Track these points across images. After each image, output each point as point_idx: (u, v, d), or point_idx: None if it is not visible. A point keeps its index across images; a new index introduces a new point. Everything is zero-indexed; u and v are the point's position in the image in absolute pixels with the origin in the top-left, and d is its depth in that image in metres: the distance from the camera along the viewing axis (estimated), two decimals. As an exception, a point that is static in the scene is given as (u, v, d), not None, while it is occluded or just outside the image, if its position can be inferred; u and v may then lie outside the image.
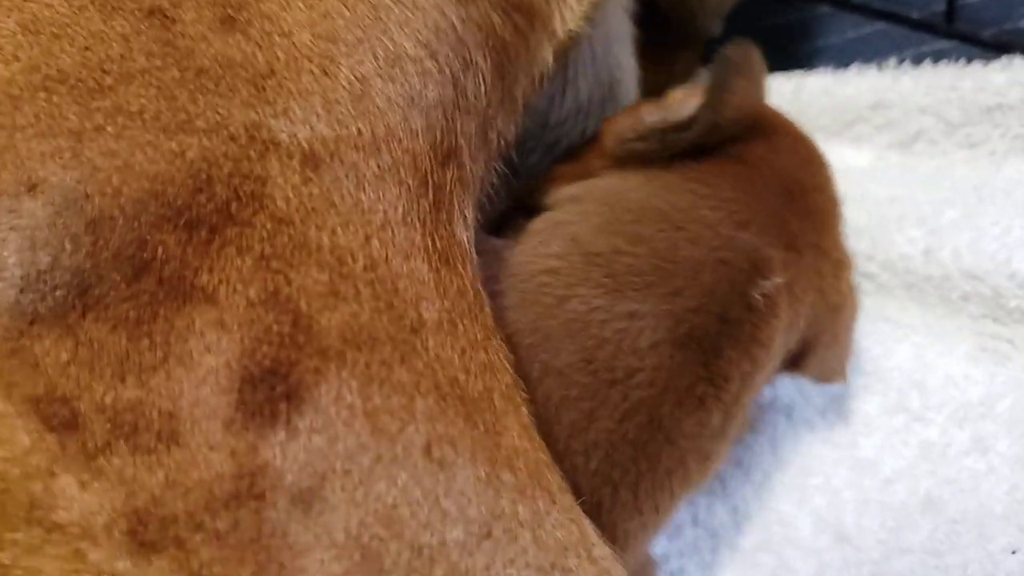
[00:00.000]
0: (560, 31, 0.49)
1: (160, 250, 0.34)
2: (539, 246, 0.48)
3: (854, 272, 0.56)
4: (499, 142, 0.47)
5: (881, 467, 0.56)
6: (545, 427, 0.43)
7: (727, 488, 0.57)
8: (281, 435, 0.33)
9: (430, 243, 0.40)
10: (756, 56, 0.50)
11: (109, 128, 0.36)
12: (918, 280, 0.61)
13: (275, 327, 0.34)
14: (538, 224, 0.50)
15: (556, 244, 0.48)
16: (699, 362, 0.46)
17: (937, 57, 0.70)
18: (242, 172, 0.36)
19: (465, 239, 0.43)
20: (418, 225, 0.40)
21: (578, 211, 0.50)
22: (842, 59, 0.77)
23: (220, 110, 0.38)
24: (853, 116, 0.69)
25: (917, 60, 0.70)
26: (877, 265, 0.63)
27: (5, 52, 0.37)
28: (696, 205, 0.48)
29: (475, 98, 0.44)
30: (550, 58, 0.49)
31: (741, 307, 0.47)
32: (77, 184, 0.35)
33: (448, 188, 0.42)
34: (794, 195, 0.49)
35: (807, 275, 0.49)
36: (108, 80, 0.37)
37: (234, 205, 0.35)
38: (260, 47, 0.39)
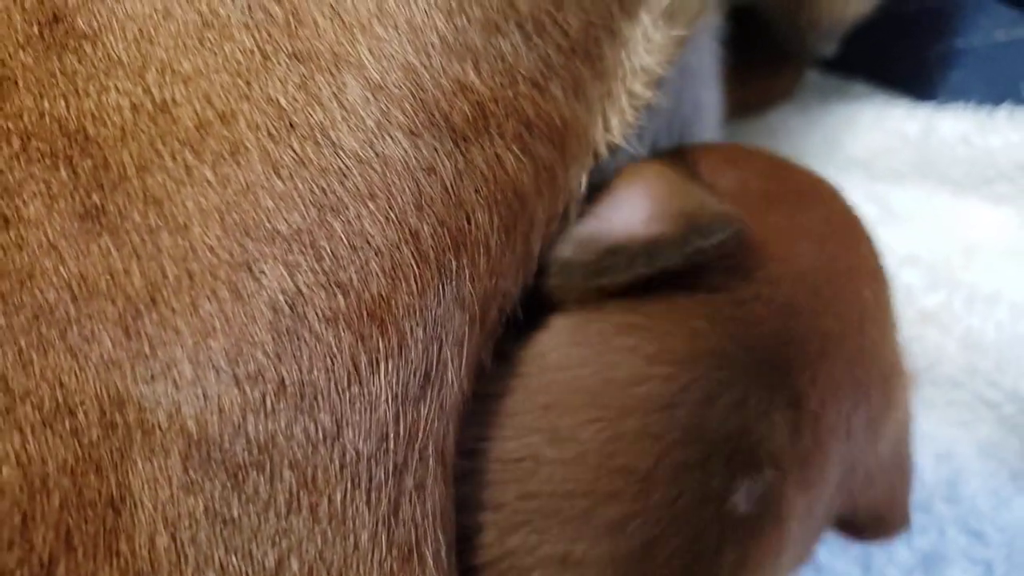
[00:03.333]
0: (602, 144, 0.33)
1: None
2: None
3: (917, 383, 0.41)
4: (501, 313, 0.32)
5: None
6: None
7: None
8: None
9: (384, 536, 0.26)
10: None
11: None
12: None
13: None
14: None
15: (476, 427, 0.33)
16: None
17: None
18: (84, 498, 0.23)
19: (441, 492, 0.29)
20: (366, 514, 0.26)
21: (504, 387, 0.34)
22: (985, 70, 0.58)
23: (64, 378, 0.24)
24: (994, 173, 0.51)
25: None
26: (1002, 394, 0.47)
27: None
28: (639, 376, 0.32)
29: (473, 281, 0.29)
30: (584, 181, 0.33)
31: (720, 527, 0.32)
32: None
33: (424, 429, 0.28)
34: (802, 323, 0.34)
35: (829, 434, 0.33)
36: None
37: (61, 566, 0.22)
38: (138, 256, 0.25)
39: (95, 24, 0.28)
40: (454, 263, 0.30)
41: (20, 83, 0.27)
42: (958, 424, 0.49)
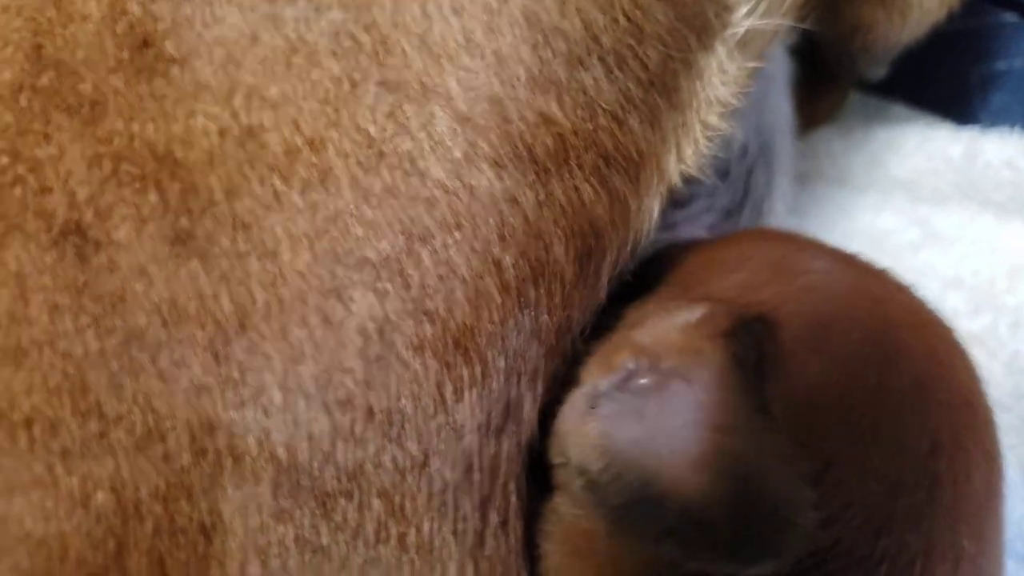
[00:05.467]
0: (676, 175, 0.32)
1: None
2: None
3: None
4: (573, 338, 0.32)
5: None
6: None
7: None
8: None
9: (471, 569, 0.25)
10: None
11: (-20, 454, 0.21)
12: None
13: None
14: None
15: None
16: None
17: None
18: (176, 524, 0.22)
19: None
20: (453, 545, 0.25)
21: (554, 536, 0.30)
22: (1026, 93, 0.57)
23: (155, 403, 0.23)
24: (1039, 198, 0.50)
25: None
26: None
27: None
28: None
29: (549, 312, 0.28)
30: (656, 210, 0.32)
31: None
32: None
33: (505, 464, 0.27)
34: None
35: None
36: (-14, 363, 0.22)
37: None
38: (227, 281, 0.24)
39: (183, 48, 0.28)
40: (533, 294, 0.29)
41: (111, 107, 0.27)
42: (1005, 447, 0.48)
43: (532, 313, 0.29)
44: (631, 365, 0.28)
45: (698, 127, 0.35)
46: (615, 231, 0.32)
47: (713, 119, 0.35)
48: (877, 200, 0.58)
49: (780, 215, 0.48)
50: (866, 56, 0.50)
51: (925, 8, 0.47)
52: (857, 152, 0.57)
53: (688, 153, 0.34)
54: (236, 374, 0.25)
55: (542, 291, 0.30)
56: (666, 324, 0.30)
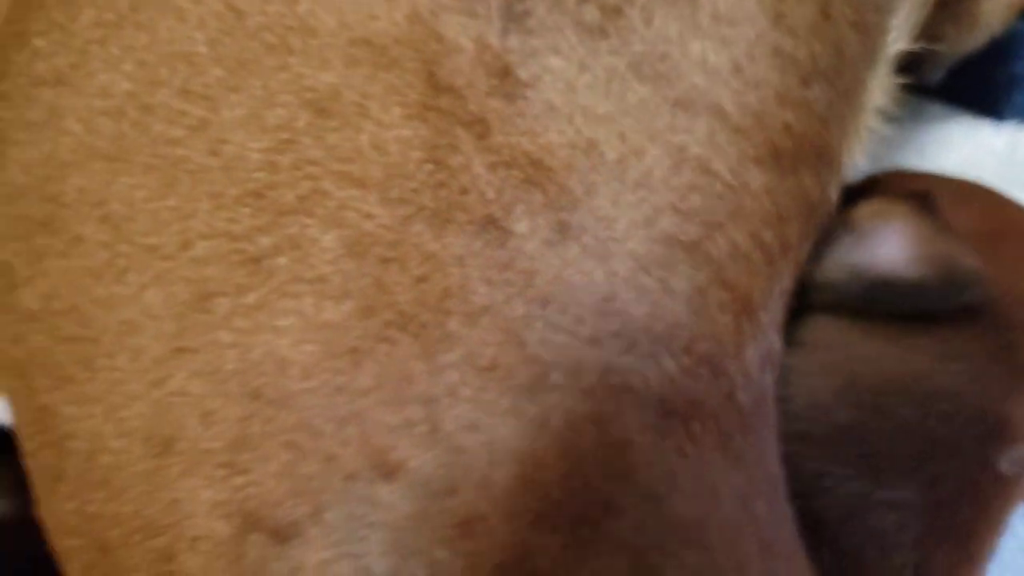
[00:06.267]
0: (849, 167, 0.43)
1: (542, 560, 0.29)
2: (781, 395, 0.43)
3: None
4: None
5: None
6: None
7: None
8: None
9: (762, 474, 0.35)
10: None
11: (464, 390, 0.31)
12: None
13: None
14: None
15: (799, 400, 0.43)
16: (958, 550, 0.42)
17: None
18: (607, 442, 0.31)
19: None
20: (751, 454, 0.35)
21: (811, 363, 0.44)
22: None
23: (572, 351, 0.32)
24: (1064, 182, 0.62)
25: None
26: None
27: (333, 286, 0.30)
28: (936, 371, 0.42)
29: (790, 277, 0.39)
30: (835, 195, 0.43)
31: (991, 482, 0.43)
32: (439, 470, 0.29)
33: (769, 396, 0.37)
34: None
35: None
36: (452, 322, 0.31)
37: (609, 488, 0.30)
38: (599, 261, 0.33)
39: (531, 75, 0.37)
40: (782, 263, 0.39)
41: (493, 123, 0.35)
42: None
43: (780, 279, 0.39)
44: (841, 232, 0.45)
45: (864, 130, 0.45)
46: (819, 212, 0.42)
47: (874, 123, 0.45)
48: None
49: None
50: (932, 63, 0.61)
51: (988, 23, 0.58)
52: (909, 144, 0.69)
53: (856, 150, 0.45)
54: (616, 326, 0.34)
55: (784, 262, 0.40)
56: (859, 207, 0.46)
